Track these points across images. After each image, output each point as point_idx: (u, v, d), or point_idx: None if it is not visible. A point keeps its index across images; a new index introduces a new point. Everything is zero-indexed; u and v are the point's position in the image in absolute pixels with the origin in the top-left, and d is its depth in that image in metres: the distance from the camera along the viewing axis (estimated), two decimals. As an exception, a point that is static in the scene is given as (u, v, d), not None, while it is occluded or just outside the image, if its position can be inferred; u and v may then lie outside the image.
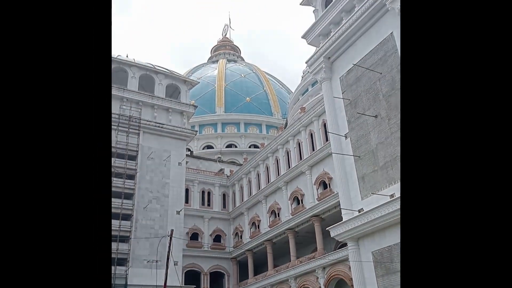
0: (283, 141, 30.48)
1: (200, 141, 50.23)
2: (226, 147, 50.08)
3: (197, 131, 39.54)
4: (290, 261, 27.31)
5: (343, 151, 21.35)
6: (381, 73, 19.70)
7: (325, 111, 24.58)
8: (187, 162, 34.73)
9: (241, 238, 33.51)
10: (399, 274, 16.79)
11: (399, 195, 16.81)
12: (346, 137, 21.51)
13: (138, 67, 34.72)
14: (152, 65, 36.36)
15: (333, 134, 22.11)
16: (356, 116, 20.84)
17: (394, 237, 17.35)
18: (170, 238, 17.04)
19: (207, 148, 49.99)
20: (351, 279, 20.07)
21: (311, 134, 27.76)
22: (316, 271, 24.23)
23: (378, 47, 20.27)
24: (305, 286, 25.19)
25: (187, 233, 32.52)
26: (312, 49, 26.01)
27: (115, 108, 31.43)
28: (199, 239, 33.28)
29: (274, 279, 27.96)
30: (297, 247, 27.74)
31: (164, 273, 18.94)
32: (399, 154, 17.91)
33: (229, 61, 63.27)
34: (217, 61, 63.51)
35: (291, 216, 27.87)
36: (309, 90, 39.33)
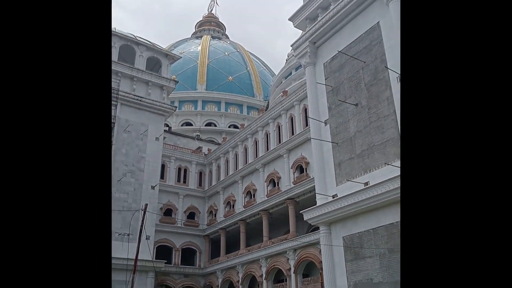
0: (263, 123, 30.54)
1: (179, 117, 49.70)
2: (206, 125, 49.79)
3: (176, 107, 39.00)
4: (262, 242, 27.79)
5: (322, 137, 21.60)
6: (364, 62, 19.87)
7: (307, 96, 24.68)
8: (164, 138, 34.42)
9: (215, 216, 33.76)
10: (367, 259, 17.39)
11: (373, 184, 17.25)
12: (325, 123, 21.73)
13: (119, 36, 33.77)
14: (134, 35, 35.44)
15: (313, 120, 22.30)
16: (337, 103, 21.05)
17: (365, 224, 17.87)
18: (144, 212, 17.02)
19: (186, 125, 49.55)
20: (321, 262, 20.63)
21: (292, 118, 27.90)
22: (287, 252, 24.77)
23: (364, 36, 20.37)
24: (276, 266, 25.76)
25: (161, 208, 32.52)
26: (299, 32, 25.89)
27: (93, 77, 30.53)
28: (173, 215, 33.34)
29: (245, 258, 28.44)
30: (270, 228, 28.20)
31: (136, 246, 18.98)
32: (376, 143, 18.29)
33: (213, 38, 62.24)
34: (201, 37, 62.37)
35: (266, 198, 28.21)
36: (292, 74, 39.31)
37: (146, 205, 18.33)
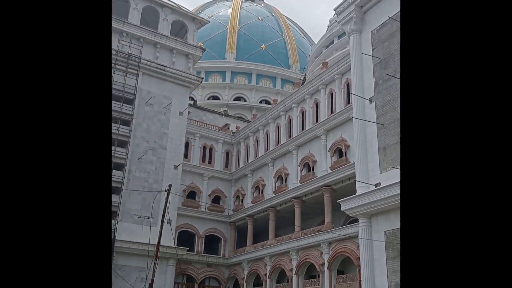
0: (299, 99, 30.35)
1: (205, 90, 50.13)
2: (234, 99, 50.01)
3: (203, 78, 39.38)
4: (293, 232, 28.07)
5: (365, 116, 21.29)
6: (420, 31, 19.22)
7: (350, 69, 24.24)
8: (189, 113, 34.93)
9: (242, 202, 34.27)
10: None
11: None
12: (370, 101, 21.38)
13: (142, -3, 34.16)
14: (158, -4, 35.70)
15: (357, 96, 21.97)
16: (385, 78, 20.59)
17: (411, 218, 17.67)
18: (168, 194, 17.50)
19: (213, 99, 49.96)
20: (359, 258, 20.67)
21: (331, 94, 27.56)
22: (321, 245, 24.93)
23: (420, 0, 19.63)
24: (307, 260, 26.03)
25: (184, 190, 33.27)
26: (344, -5, 25.21)
27: (113, 43, 31.20)
28: (197, 199, 34.08)
29: (274, 250, 28.87)
30: (303, 217, 28.39)
31: (158, 231, 19.63)
32: (428, 127, 17.87)
33: (245, -1, 61.70)
34: (232, -2, 61.94)
35: (299, 184, 28.30)
36: (334, 43, 38.54)
37: (170, 185, 18.79)
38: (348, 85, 25.75)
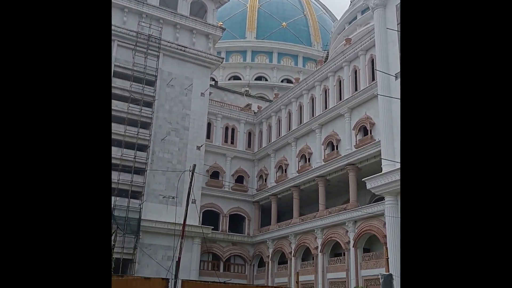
0: (322, 77, 30.12)
1: (226, 70, 50.09)
2: (255, 79, 49.86)
3: (223, 59, 39.30)
4: (317, 211, 28.25)
5: (391, 93, 21.04)
6: (448, 3, 18.76)
7: (374, 45, 23.91)
8: (210, 93, 35.08)
9: (265, 181, 34.55)
10: (439, 234, 17.28)
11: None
12: (396, 77, 21.07)
13: (161, -23, 34.10)
14: (177, -24, 35.55)
15: (382, 73, 21.69)
16: (412, 54, 20.25)
17: (439, 195, 17.60)
18: (192, 173, 17.77)
19: (234, 79, 49.93)
20: (385, 236, 20.74)
21: (355, 71, 27.26)
22: (347, 224, 25.06)
23: (449, -30, 19.09)
24: (332, 238, 26.23)
25: (207, 170, 33.70)
26: (368, -32, 24.68)
27: (133, 25, 31.48)
28: (220, 178, 34.51)
29: (298, 228, 29.15)
30: (327, 196, 28.50)
31: (182, 210, 20.10)
32: (457, 102, 17.59)
33: (265, -24, 60.81)
34: (251, -25, 61.15)
35: (323, 163, 28.33)
36: (357, 18, 37.89)
37: (194, 165, 19.06)
38: (372, 62, 25.41)
